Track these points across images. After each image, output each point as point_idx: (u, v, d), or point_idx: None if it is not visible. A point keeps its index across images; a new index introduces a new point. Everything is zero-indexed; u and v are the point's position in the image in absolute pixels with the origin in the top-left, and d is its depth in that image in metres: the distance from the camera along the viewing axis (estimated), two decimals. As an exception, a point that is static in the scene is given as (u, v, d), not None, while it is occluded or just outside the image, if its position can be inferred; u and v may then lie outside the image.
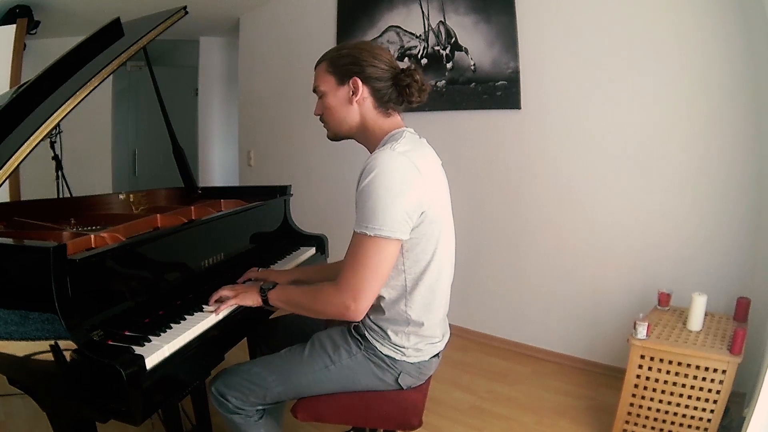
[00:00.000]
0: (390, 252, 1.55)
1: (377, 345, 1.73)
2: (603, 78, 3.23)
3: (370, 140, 1.76)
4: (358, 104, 1.71)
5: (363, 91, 1.70)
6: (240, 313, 1.84)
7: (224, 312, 1.79)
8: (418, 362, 1.77)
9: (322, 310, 1.64)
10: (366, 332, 1.75)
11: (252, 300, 1.79)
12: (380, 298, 1.69)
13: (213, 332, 1.72)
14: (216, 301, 1.81)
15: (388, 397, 1.79)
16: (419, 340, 1.75)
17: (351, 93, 1.70)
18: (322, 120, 1.81)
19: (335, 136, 1.82)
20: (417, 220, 1.59)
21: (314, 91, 1.78)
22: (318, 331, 1.85)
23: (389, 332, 1.72)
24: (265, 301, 1.78)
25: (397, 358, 1.73)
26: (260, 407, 1.82)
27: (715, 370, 2.35)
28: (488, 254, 3.85)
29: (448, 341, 1.91)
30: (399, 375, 1.75)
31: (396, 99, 1.73)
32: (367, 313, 1.71)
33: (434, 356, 1.84)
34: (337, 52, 1.75)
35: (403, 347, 1.73)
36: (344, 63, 1.70)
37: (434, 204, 1.63)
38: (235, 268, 2.16)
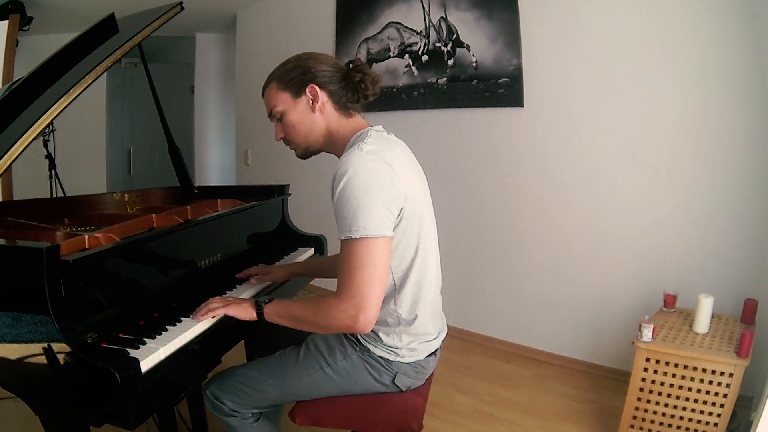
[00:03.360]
0: (381, 251, 1.51)
1: (370, 347, 1.72)
2: (608, 76, 3.20)
3: (338, 146, 1.75)
4: (320, 111, 1.70)
5: (321, 96, 1.69)
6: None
7: (198, 331, 1.69)
8: (414, 362, 1.75)
9: (327, 324, 1.57)
10: (359, 335, 1.73)
11: (245, 313, 1.71)
12: None
13: (209, 335, 1.70)
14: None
15: (387, 400, 1.77)
16: (412, 339, 1.72)
17: (311, 101, 1.69)
18: (286, 142, 1.80)
19: (305, 152, 1.81)
20: (397, 216, 1.57)
21: (269, 116, 1.77)
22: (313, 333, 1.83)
23: (381, 334, 1.70)
24: (260, 315, 1.70)
25: (391, 360, 1.72)
26: (256, 410, 1.80)
27: (722, 374, 2.34)
28: (490, 255, 3.82)
29: (444, 339, 1.89)
30: (395, 376, 1.73)
31: (352, 97, 1.72)
32: None
33: (431, 355, 1.81)
34: (282, 69, 1.74)
35: (396, 348, 1.71)
36: (295, 75, 1.70)
37: (411, 198, 1.60)
38: (233, 269, 2.14)
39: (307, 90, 1.68)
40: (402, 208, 1.57)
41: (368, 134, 1.66)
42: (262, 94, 1.77)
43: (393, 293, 1.67)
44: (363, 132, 1.69)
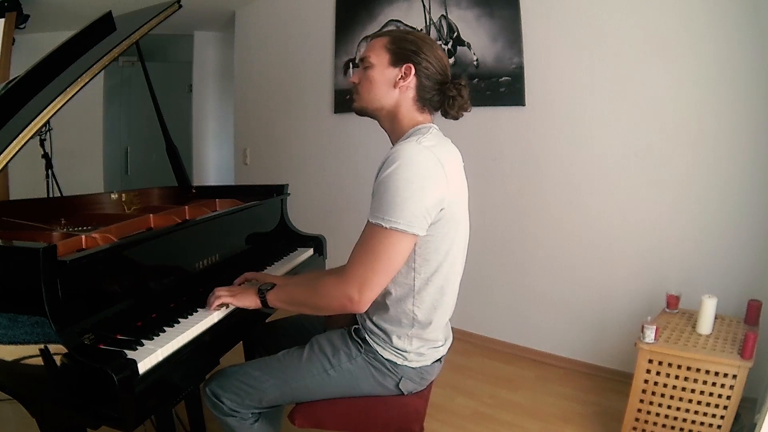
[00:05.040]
0: (404, 246, 1.52)
1: (378, 349, 1.71)
2: (610, 74, 3.19)
3: (396, 128, 1.74)
4: (400, 90, 1.69)
5: (411, 81, 1.68)
6: (236, 315, 1.80)
7: (220, 314, 1.75)
8: (420, 367, 1.74)
9: (325, 304, 1.61)
10: (367, 335, 1.73)
11: (250, 301, 1.76)
12: (386, 294, 1.66)
13: (208, 336, 1.70)
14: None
15: (388, 402, 1.76)
16: (422, 344, 1.72)
17: (400, 77, 1.68)
18: (355, 90, 1.78)
19: (362, 110, 1.78)
20: (435, 217, 1.56)
21: (361, 60, 1.77)
22: (317, 334, 1.82)
23: (393, 336, 1.69)
24: (263, 302, 1.74)
25: (398, 363, 1.71)
26: (256, 410, 1.79)
27: (726, 375, 2.32)
28: (491, 255, 3.81)
29: (450, 346, 1.88)
30: (400, 380, 1.72)
31: (436, 103, 1.73)
32: (369, 315, 1.71)
33: (436, 361, 1.81)
34: (401, 33, 1.74)
35: (405, 351, 1.70)
36: (406, 47, 1.69)
37: (454, 202, 1.60)
38: (231, 269, 2.13)
39: (404, 67, 1.67)
40: (442, 210, 1.56)
41: (429, 130, 1.66)
42: (370, 39, 1.79)
43: (412, 292, 1.65)
44: (425, 126, 1.69)
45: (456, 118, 1.74)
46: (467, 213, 1.76)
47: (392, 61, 1.68)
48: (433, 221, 1.55)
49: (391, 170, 1.49)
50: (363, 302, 1.53)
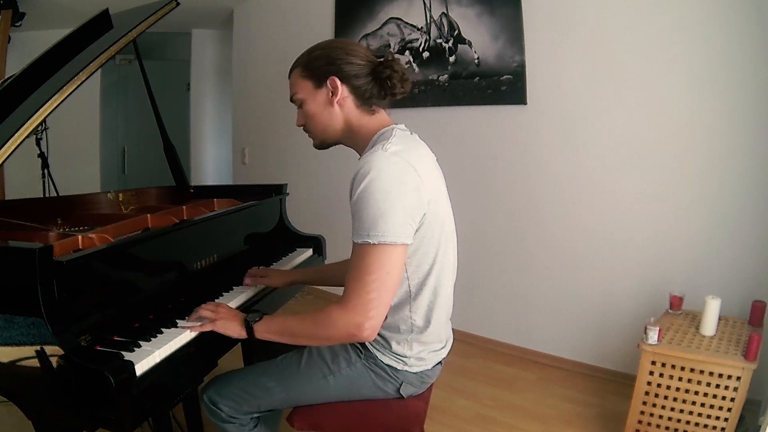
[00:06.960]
0: (397, 259, 1.46)
1: (378, 354, 1.68)
2: (612, 73, 3.18)
3: (358, 142, 1.68)
4: (339, 105, 1.64)
5: (342, 90, 1.62)
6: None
7: (194, 333, 1.65)
8: (421, 371, 1.72)
9: (329, 335, 1.51)
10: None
11: (233, 331, 1.64)
12: None
13: (206, 337, 1.66)
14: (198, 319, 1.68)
15: (388, 405, 1.74)
16: (422, 348, 1.69)
17: (330, 94, 1.63)
18: (305, 130, 1.75)
19: (322, 144, 1.74)
20: (419, 222, 1.51)
21: (291, 100, 1.73)
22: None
23: (392, 342, 1.66)
24: (249, 333, 1.63)
25: (398, 368, 1.68)
26: (255, 415, 1.77)
27: (729, 377, 2.32)
28: (492, 256, 3.79)
29: (451, 348, 1.85)
30: (401, 385, 1.70)
31: (378, 93, 1.65)
32: None
33: (437, 364, 1.78)
34: (309, 55, 1.68)
35: (405, 356, 1.67)
36: (319, 65, 1.64)
37: (433, 201, 1.55)
38: (229, 270, 2.12)
39: (328, 82, 1.62)
40: (425, 214, 1.52)
41: (393, 133, 1.59)
42: (289, 76, 1.73)
43: (408, 300, 1.62)
44: (387, 130, 1.63)
45: (405, 93, 1.68)
46: (450, 208, 1.72)
47: (315, 84, 1.64)
48: (417, 226, 1.51)
49: (365, 185, 1.43)
50: (374, 328, 1.46)
